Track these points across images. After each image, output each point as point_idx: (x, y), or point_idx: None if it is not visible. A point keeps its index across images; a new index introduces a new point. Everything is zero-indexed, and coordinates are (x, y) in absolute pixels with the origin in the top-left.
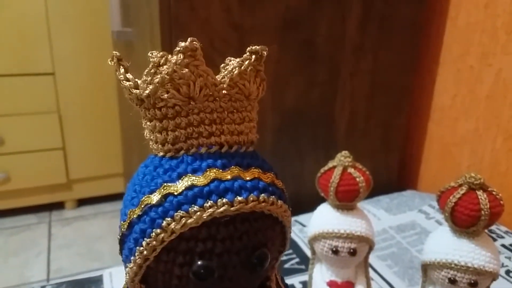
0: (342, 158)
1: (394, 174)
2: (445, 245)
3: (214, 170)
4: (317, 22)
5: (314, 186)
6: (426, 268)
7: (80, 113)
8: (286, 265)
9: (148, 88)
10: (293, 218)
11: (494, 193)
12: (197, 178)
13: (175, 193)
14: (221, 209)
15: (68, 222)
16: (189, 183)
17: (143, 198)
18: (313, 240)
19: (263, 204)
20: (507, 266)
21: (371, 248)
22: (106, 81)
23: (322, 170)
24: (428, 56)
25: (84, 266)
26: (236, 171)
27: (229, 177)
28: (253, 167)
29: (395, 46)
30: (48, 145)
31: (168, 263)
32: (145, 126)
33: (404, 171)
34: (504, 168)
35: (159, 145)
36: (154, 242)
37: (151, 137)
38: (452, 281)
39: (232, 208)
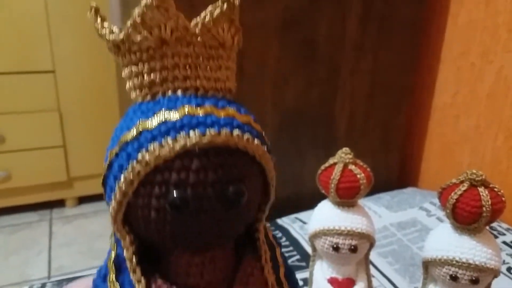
0: (343, 155)
1: (394, 173)
2: (447, 242)
3: (188, 107)
4: (317, 21)
5: (314, 185)
6: (427, 265)
7: (80, 111)
8: None
9: (122, 33)
10: (293, 216)
11: (495, 189)
12: (170, 114)
13: (149, 128)
14: (193, 139)
15: (69, 220)
16: (163, 118)
17: (121, 137)
18: (314, 237)
19: (236, 138)
20: (508, 263)
21: (372, 245)
22: (106, 79)
23: (322, 167)
24: (428, 55)
25: (85, 264)
26: (210, 109)
27: (202, 113)
28: (228, 107)
29: (395, 45)
30: (48, 143)
31: (145, 197)
32: (124, 75)
33: (404, 170)
34: (505, 166)
35: (137, 91)
36: (131, 175)
37: (130, 84)
38: (454, 278)
39: (204, 139)
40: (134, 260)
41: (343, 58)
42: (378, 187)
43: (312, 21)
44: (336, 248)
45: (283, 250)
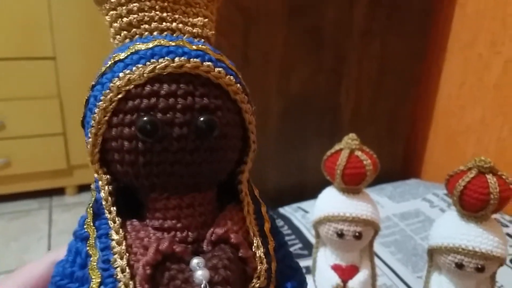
0: (349, 141)
1: (398, 162)
2: (453, 230)
3: (161, 40)
4: (324, 7)
5: (318, 173)
6: (433, 253)
7: (81, 98)
8: None
9: None
10: (296, 205)
11: (503, 177)
12: (142, 45)
13: (122, 58)
14: (162, 64)
15: (69, 208)
16: (134, 49)
17: (99, 72)
18: (318, 223)
19: (206, 67)
20: (511, 254)
21: (376, 232)
22: None
23: (328, 153)
24: (435, 44)
25: None
26: (182, 43)
27: (173, 44)
28: (201, 45)
29: (403, 32)
30: (48, 130)
31: (118, 127)
32: (107, 24)
33: (408, 160)
34: (510, 158)
35: (118, 37)
36: (104, 104)
37: (112, 31)
38: (459, 265)
39: (173, 64)
40: (110, 200)
41: (350, 44)
42: (381, 176)
43: (319, 8)
44: (340, 235)
45: (286, 238)
